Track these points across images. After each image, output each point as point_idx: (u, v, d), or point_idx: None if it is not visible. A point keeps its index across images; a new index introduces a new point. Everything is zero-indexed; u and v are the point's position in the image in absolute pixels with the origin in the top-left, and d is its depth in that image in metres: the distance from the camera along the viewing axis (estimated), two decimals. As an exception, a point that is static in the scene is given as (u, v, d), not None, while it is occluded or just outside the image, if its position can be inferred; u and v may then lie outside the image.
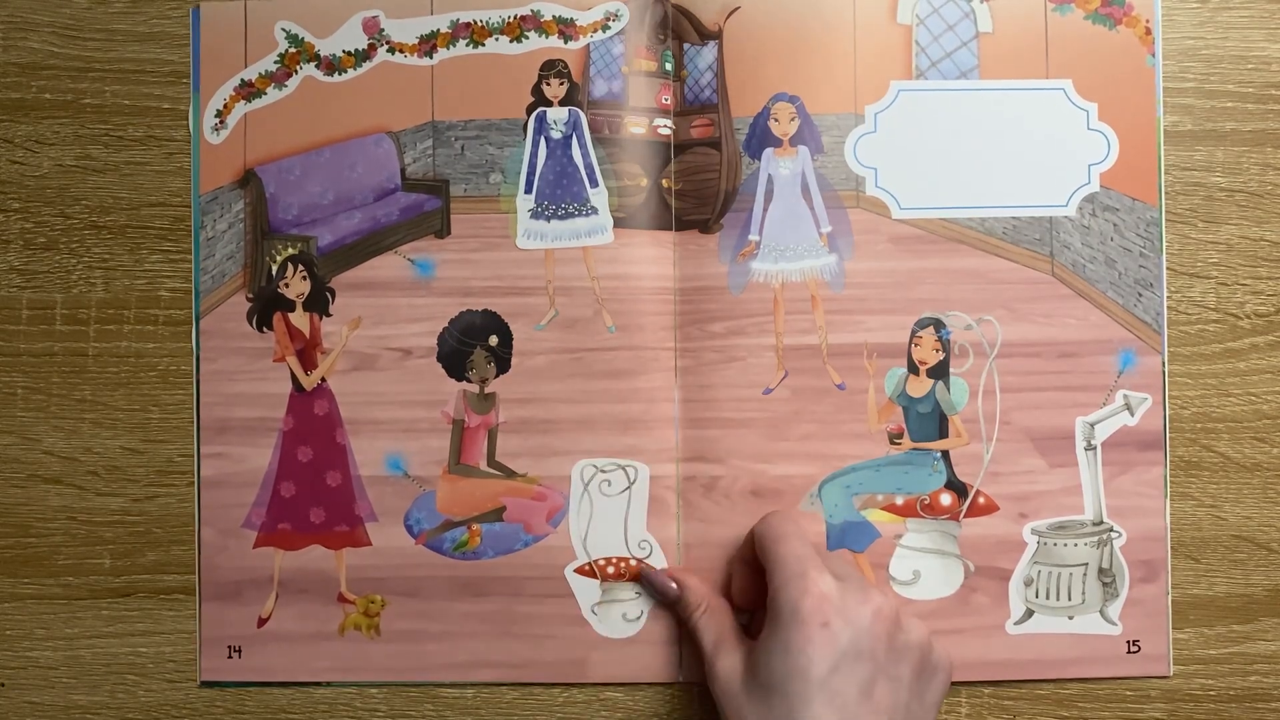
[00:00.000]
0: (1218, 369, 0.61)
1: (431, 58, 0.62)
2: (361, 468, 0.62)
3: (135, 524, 0.62)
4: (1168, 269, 0.61)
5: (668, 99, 0.62)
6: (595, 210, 0.61)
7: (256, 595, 0.61)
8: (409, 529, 0.61)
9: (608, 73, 0.62)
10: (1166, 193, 0.61)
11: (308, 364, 0.62)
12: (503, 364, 0.61)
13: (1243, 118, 0.62)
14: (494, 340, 0.61)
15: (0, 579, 0.62)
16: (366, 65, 0.62)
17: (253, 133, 0.62)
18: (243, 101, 0.62)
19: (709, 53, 0.61)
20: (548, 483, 0.61)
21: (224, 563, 0.62)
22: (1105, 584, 0.60)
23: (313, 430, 0.62)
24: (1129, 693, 0.61)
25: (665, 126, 0.62)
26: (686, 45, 0.62)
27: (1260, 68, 0.62)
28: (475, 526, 0.61)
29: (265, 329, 0.62)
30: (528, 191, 0.61)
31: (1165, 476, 0.61)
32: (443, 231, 0.62)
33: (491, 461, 0.61)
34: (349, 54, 0.62)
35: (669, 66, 0.62)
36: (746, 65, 0.61)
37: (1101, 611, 0.60)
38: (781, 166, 0.61)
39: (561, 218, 0.61)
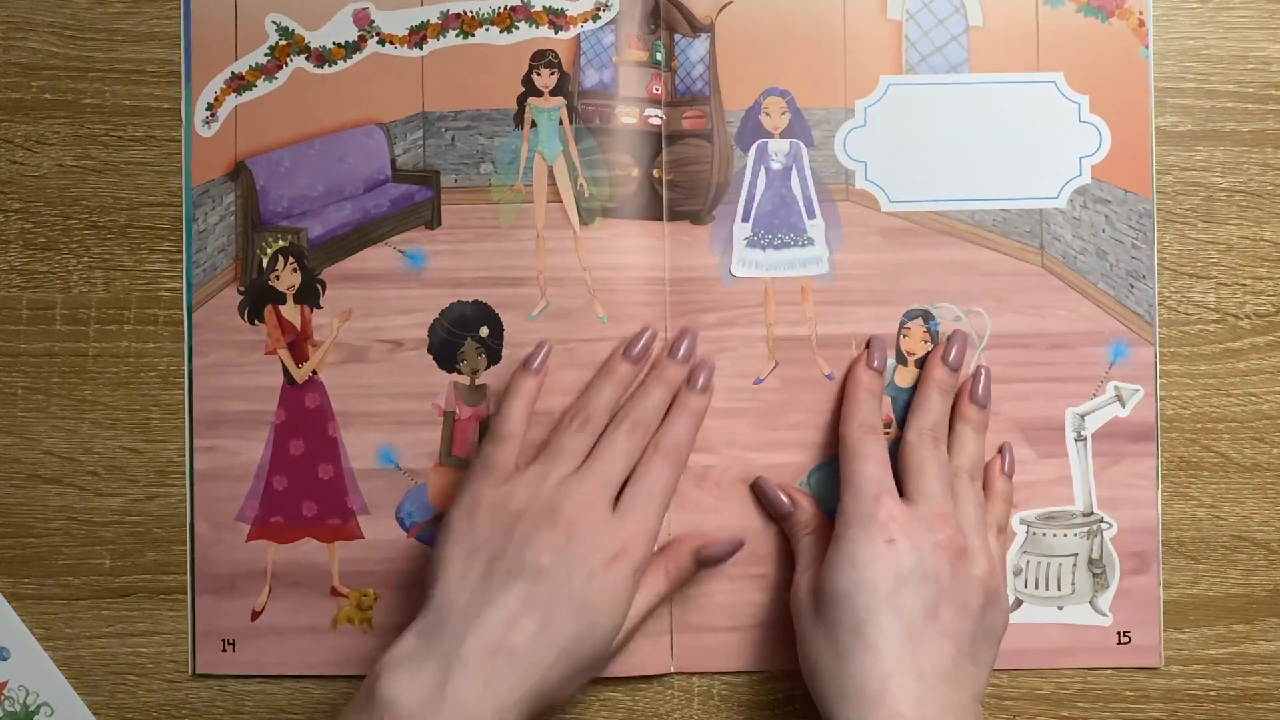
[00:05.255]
0: (1218, 369, 0.61)
1: (421, 49, 0.62)
2: (353, 460, 0.61)
3: (135, 524, 0.62)
4: (1168, 269, 0.61)
5: (658, 89, 0.62)
6: (811, 241, 0.61)
7: (250, 588, 0.62)
8: (401, 522, 0.61)
9: (598, 62, 0.61)
10: (1166, 193, 0.61)
11: (299, 357, 0.62)
12: (494, 355, 0.61)
13: (1243, 118, 0.62)
14: (485, 331, 0.61)
15: (0, 579, 0.62)
16: (356, 57, 0.62)
17: (243, 125, 0.62)
18: (233, 94, 0.62)
19: (701, 45, 0.61)
20: (540, 475, 0.61)
21: (218, 556, 0.62)
22: (1095, 575, 0.61)
23: (304, 423, 0.62)
24: (1129, 693, 0.61)
25: (656, 117, 0.62)
26: (678, 36, 0.61)
27: (1260, 68, 0.62)
28: (468, 519, 0.61)
29: (257, 322, 0.62)
30: (745, 219, 0.61)
31: (1158, 468, 0.61)
32: (433, 222, 0.62)
33: (483, 454, 0.61)
34: (339, 46, 0.62)
35: (660, 57, 0.62)
36: (738, 59, 0.61)
37: (1091, 602, 0.61)
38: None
39: (778, 247, 0.61)
